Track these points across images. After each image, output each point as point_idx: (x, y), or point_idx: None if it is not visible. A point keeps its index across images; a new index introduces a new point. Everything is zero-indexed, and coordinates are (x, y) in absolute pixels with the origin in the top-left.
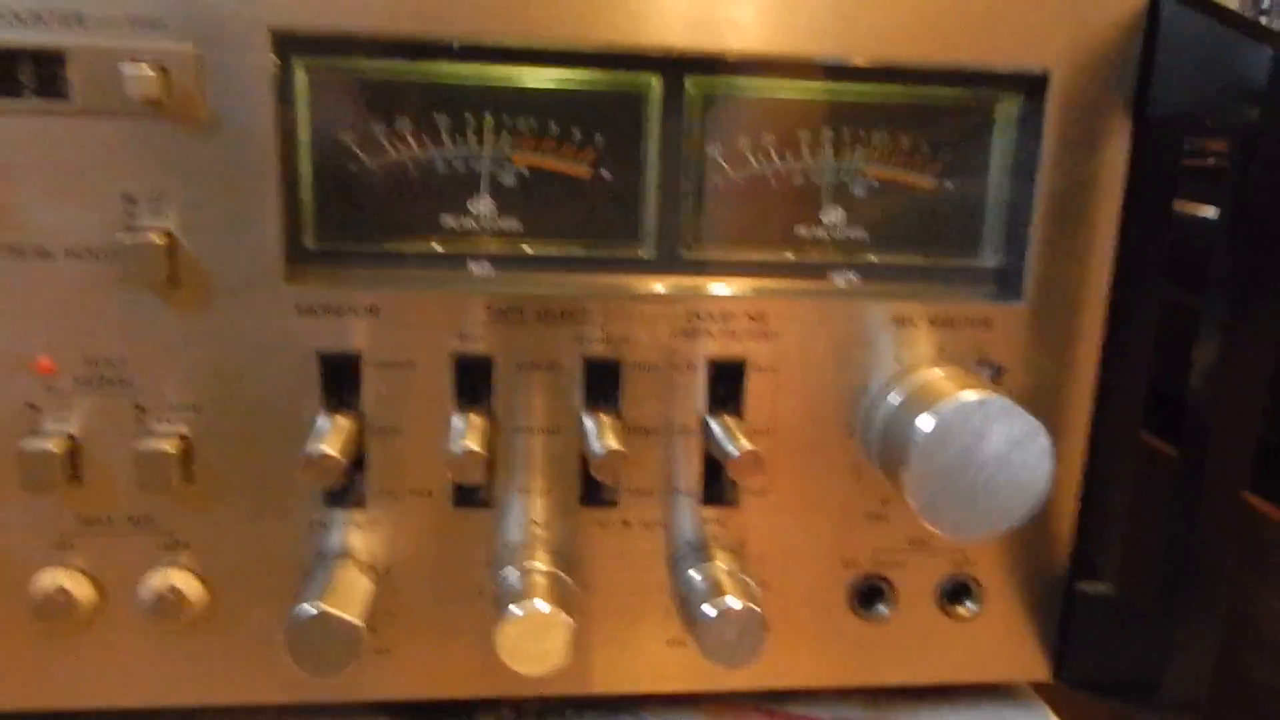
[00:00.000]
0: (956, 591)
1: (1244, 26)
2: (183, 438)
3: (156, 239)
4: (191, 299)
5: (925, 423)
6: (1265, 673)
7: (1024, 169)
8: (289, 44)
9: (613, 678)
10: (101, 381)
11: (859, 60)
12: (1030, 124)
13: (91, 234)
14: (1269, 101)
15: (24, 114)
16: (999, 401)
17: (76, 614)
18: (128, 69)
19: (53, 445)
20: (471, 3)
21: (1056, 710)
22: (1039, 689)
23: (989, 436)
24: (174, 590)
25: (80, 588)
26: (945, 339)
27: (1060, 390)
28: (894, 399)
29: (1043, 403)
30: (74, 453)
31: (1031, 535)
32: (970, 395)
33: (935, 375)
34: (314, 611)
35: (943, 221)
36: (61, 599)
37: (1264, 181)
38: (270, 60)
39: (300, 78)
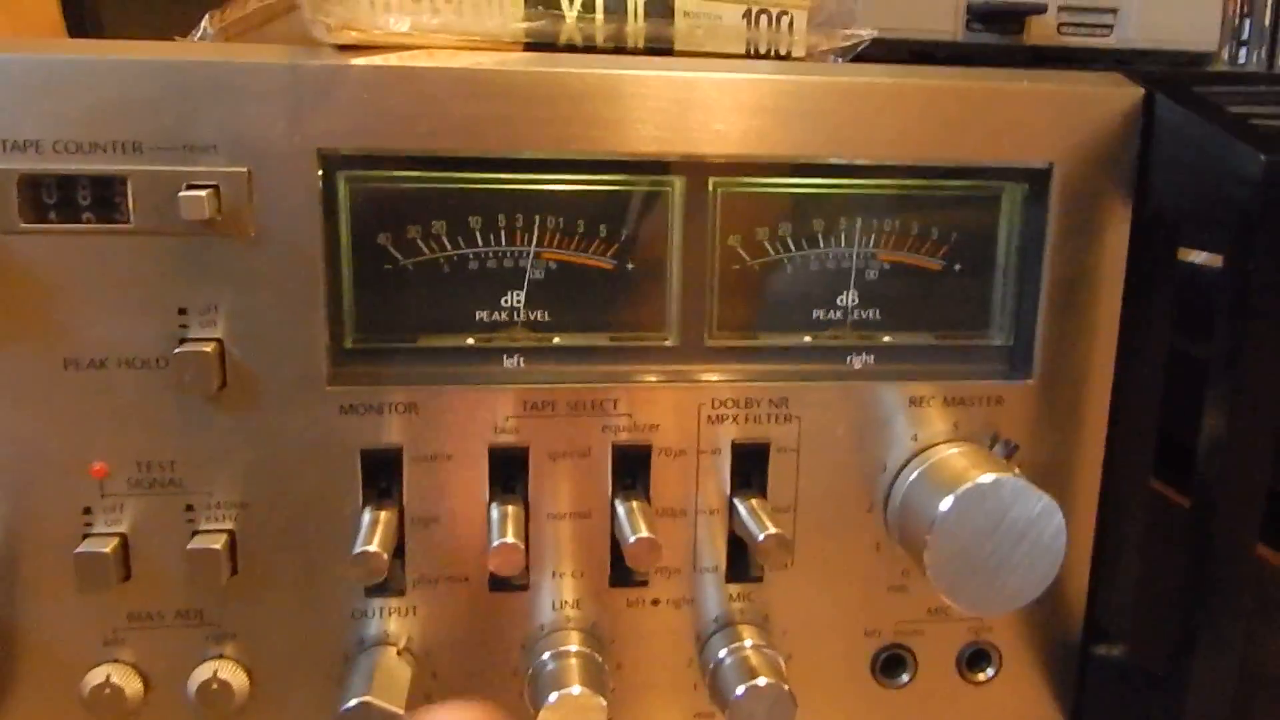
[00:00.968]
0: (975, 658)
1: (1231, 127)
2: (230, 534)
3: (207, 349)
4: (239, 403)
5: (944, 504)
6: (1268, 714)
7: (1030, 253)
8: (334, 162)
9: None
10: (153, 484)
11: (873, 162)
12: (1035, 212)
13: (146, 345)
14: (1260, 198)
15: (83, 235)
16: (1014, 482)
17: (124, 706)
18: (183, 194)
19: (106, 548)
20: (504, 120)
21: None
22: None
23: (1006, 516)
24: (220, 681)
25: (128, 681)
26: (959, 417)
27: (1071, 461)
28: (911, 476)
29: (1055, 474)
30: (125, 551)
31: (1047, 601)
32: (986, 477)
33: (951, 454)
34: (357, 703)
35: (953, 303)
36: (109, 692)
37: (1258, 268)
38: (317, 179)
39: (342, 189)
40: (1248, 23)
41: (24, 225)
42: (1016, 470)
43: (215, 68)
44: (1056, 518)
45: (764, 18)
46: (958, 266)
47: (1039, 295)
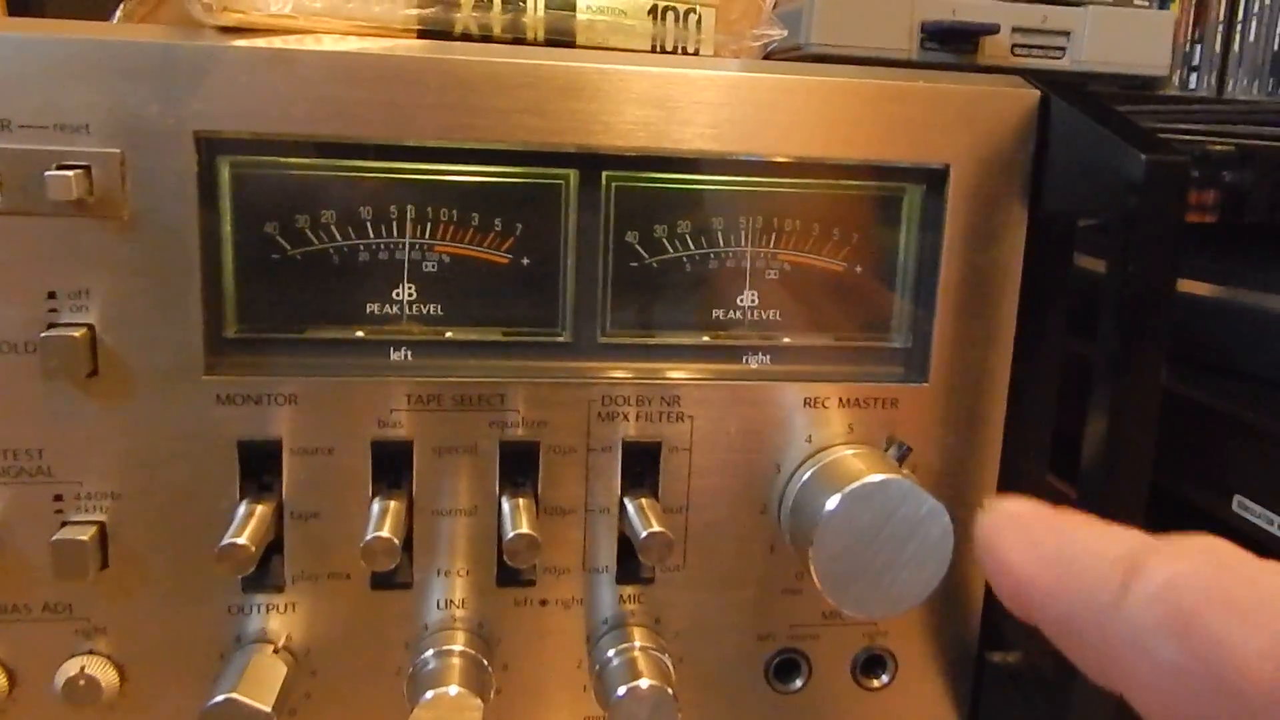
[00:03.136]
0: (871, 663)
1: (1119, 128)
2: (100, 526)
3: (76, 334)
4: (112, 391)
5: (830, 502)
6: None
7: (928, 256)
8: (213, 146)
9: None
10: (20, 472)
11: (774, 158)
12: (933, 214)
13: (12, 329)
14: (1141, 196)
15: None
16: (901, 483)
17: None
18: (50, 173)
19: None
20: (389, 106)
21: None
22: None
23: (892, 517)
24: (87, 677)
25: None
26: (855, 418)
27: (968, 462)
28: (804, 477)
29: (951, 476)
30: None
31: (943, 606)
32: (875, 477)
33: (844, 455)
34: (222, 699)
35: (853, 304)
36: None
37: (1138, 269)
38: (193, 162)
39: (224, 174)
40: (1199, 49)
41: None
42: (906, 472)
43: (87, 45)
44: (943, 519)
45: (670, 15)
46: (859, 268)
47: (936, 298)
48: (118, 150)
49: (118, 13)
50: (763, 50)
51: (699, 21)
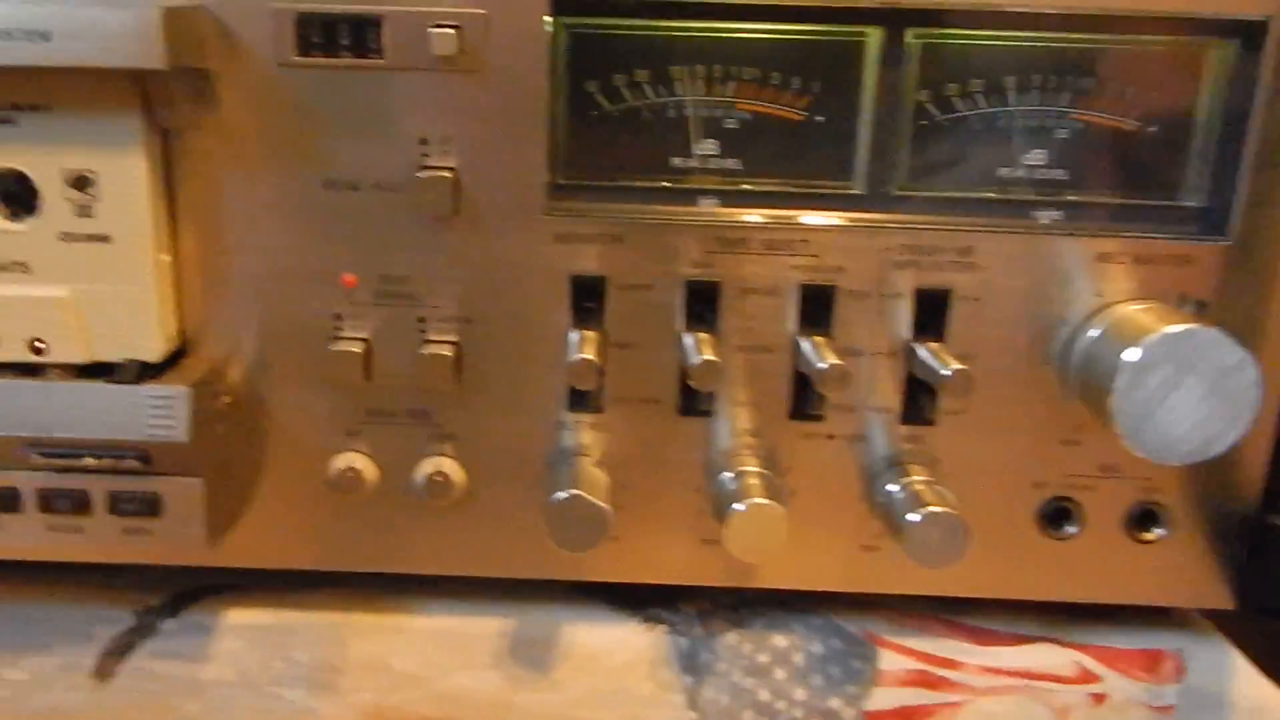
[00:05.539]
0: (1144, 517)
1: None
2: (455, 345)
3: (444, 175)
4: (468, 227)
5: (1132, 354)
6: None
7: (1235, 115)
8: (561, 7)
9: (809, 576)
10: (392, 296)
11: (1074, 10)
12: (1245, 71)
13: (390, 171)
14: None
15: (341, 70)
16: (1208, 332)
17: (362, 489)
18: (434, 31)
19: (355, 349)
20: None
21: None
22: (1215, 619)
23: (1198, 366)
24: (442, 474)
25: (366, 467)
26: (1147, 275)
27: (1262, 328)
28: (1094, 332)
29: (1244, 339)
30: (368, 353)
31: (1223, 466)
32: (1178, 327)
33: (1138, 309)
34: (568, 495)
35: (1147, 163)
36: (351, 476)
37: None
38: (546, 23)
39: (561, 36)
40: None
41: (295, 58)
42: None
43: None
44: (1251, 369)
45: None
46: (1152, 127)
47: (1240, 156)
48: (483, 11)
49: None
50: None
51: None
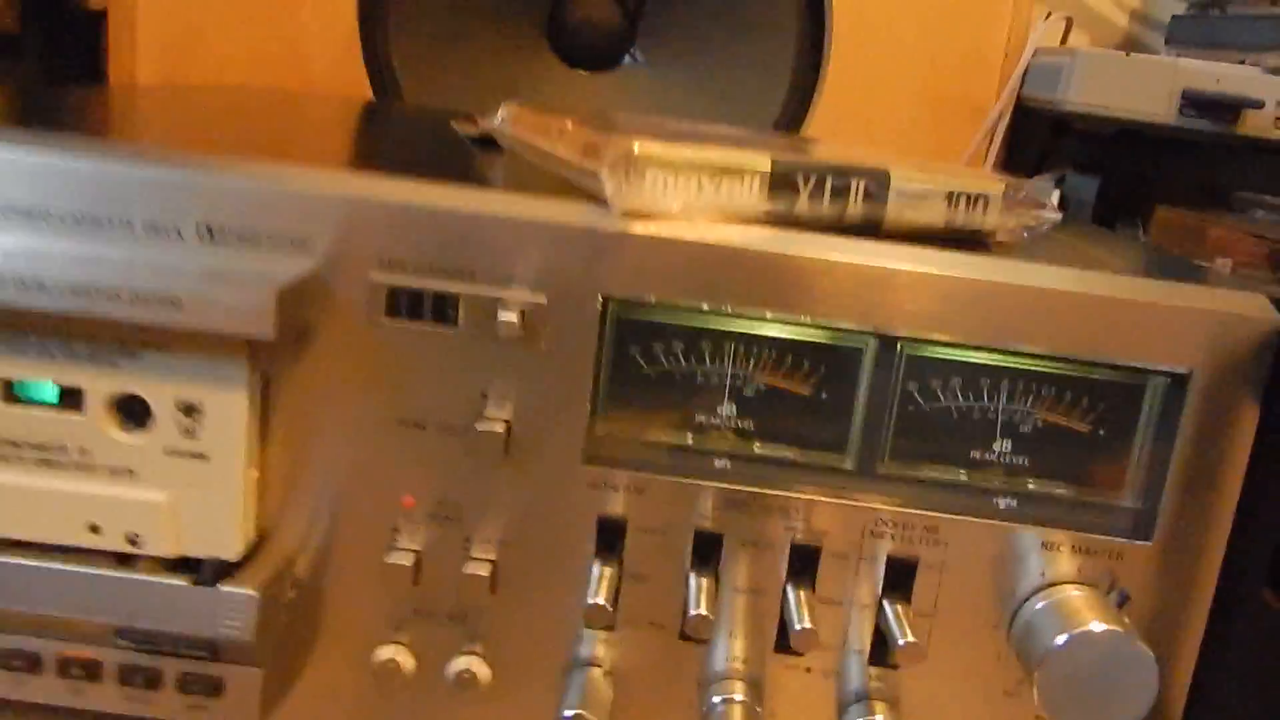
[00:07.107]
0: None
1: None
2: (493, 563)
3: (498, 428)
4: (515, 469)
5: (1059, 640)
6: None
7: (1165, 435)
8: (611, 301)
9: None
10: (444, 518)
11: (1033, 350)
12: (1172, 405)
13: (454, 416)
14: None
15: (423, 334)
16: (1120, 634)
17: (401, 679)
18: (502, 313)
19: (408, 561)
20: (747, 283)
21: None
22: None
23: (1108, 660)
24: (470, 672)
25: (406, 659)
26: (1084, 564)
27: (1178, 614)
28: (1036, 606)
29: (1159, 629)
30: (418, 563)
31: None
32: (1098, 625)
33: (1073, 594)
34: (571, 714)
35: (1093, 464)
36: (392, 666)
37: None
38: (597, 314)
39: (610, 318)
40: None
41: (384, 320)
42: (1126, 620)
43: (529, 226)
44: (1153, 670)
45: (963, 199)
46: (1101, 431)
47: (1167, 472)
48: (544, 299)
49: (500, 113)
50: (1039, 231)
51: (986, 205)
